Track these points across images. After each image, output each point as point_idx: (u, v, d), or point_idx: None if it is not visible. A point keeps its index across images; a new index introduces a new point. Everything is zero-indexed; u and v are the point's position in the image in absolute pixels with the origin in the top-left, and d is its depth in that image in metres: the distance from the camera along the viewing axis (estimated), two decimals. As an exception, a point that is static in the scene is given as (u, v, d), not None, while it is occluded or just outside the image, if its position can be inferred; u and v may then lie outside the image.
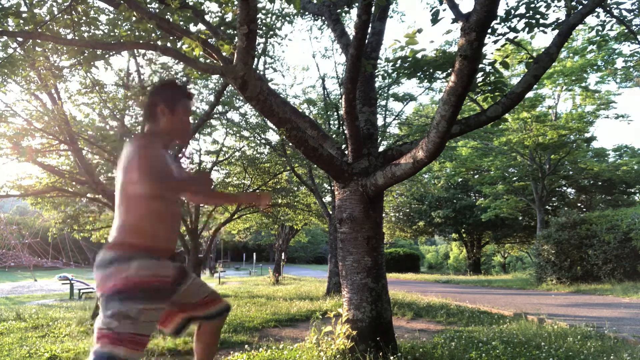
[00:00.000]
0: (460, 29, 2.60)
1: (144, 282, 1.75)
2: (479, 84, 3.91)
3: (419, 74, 4.10)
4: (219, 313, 2.09)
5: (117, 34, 3.54)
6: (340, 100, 5.64)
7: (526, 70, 3.61)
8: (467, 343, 4.43)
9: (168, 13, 3.05)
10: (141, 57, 7.85)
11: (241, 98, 10.12)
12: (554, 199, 26.45)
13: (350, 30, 5.71)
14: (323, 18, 5.57)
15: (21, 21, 3.08)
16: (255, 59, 7.18)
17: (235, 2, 3.25)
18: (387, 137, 11.61)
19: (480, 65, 3.72)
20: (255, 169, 12.55)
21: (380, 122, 10.88)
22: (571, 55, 16.58)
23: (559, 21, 3.77)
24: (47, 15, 3.24)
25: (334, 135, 9.34)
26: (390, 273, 22.66)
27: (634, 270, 11.05)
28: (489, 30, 3.62)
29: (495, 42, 3.92)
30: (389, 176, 3.48)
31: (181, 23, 3.26)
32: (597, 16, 4.41)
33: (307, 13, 6.89)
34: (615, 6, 4.24)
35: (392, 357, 3.46)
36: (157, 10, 3.30)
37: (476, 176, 25.81)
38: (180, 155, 9.12)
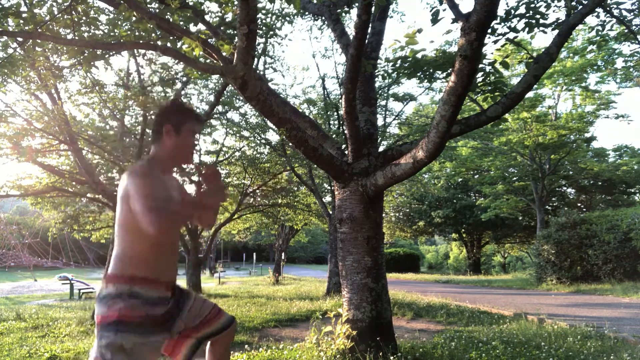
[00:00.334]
0: (460, 29, 2.60)
1: (139, 316, 1.72)
2: (479, 84, 3.91)
3: (419, 74, 4.10)
4: (224, 327, 2.05)
5: (117, 34, 3.54)
6: (340, 100, 5.64)
7: (526, 70, 3.61)
8: (467, 343, 4.43)
9: (168, 13, 3.05)
10: (141, 57, 7.85)
11: (241, 98, 10.12)
12: (554, 199, 26.46)
13: (350, 30, 5.71)
14: (323, 18, 5.58)
15: (21, 21, 3.08)
16: (255, 59, 7.18)
17: (235, 2, 3.25)
18: (387, 137, 11.61)
19: (480, 65, 3.72)
20: (255, 169, 12.55)
21: (380, 122, 10.88)
22: (571, 55, 16.58)
23: (559, 21, 3.77)
24: (47, 15, 3.24)
25: (334, 135, 9.34)
26: (390, 273, 22.66)
27: (634, 270, 11.05)
28: (489, 30, 3.62)
29: (495, 42, 3.92)
30: (389, 176, 3.48)
31: (181, 23, 3.26)
32: (597, 16, 4.42)
33: (307, 13, 6.89)
34: (615, 6, 4.24)
35: (392, 357, 3.46)
36: (157, 10, 3.30)
37: (476, 176, 25.82)
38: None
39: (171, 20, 2.99)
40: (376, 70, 4.42)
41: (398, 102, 11.00)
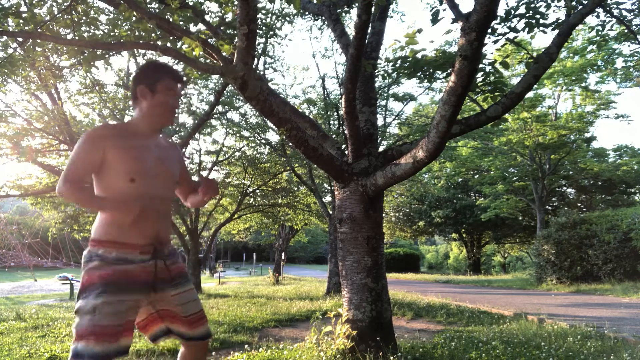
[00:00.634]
0: (460, 29, 2.60)
1: (106, 274, 1.70)
2: (479, 84, 3.91)
3: (419, 74, 4.10)
4: (199, 337, 1.92)
5: (117, 34, 3.54)
6: (340, 100, 5.64)
7: (526, 70, 3.61)
8: (467, 343, 4.43)
9: (168, 13, 3.05)
10: (141, 57, 7.85)
11: (241, 98, 10.12)
12: (554, 199, 26.46)
13: (350, 30, 5.71)
14: (323, 18, 5.58)
15: (21, 21, 3.08)
16: (255, 59, 7.18)
17: (235, 2, 3.25)
18: (387, 137, 11.60)
19: (480, 65, 3.72)
20: (255, 169, 12.55)
21: (380, 122, 10.88)
22: (571, 55, 16.58)
23: (559, 21, 3.77)
24: (47, 15, 3.24)
25: (334, 135, 9.34)
26: (390, 273, 22.67)
27: (634, 270, 11.05)
28: (489, 30, 3.62)
29: (495, 42, 3.92)
30: (389, 176, 3.48)
31: (181, 23, 3.26)
32: (597, 16, 4.42)
33: (307, 13, 6.89)
34: (615, 6, 4.24)
35: (392, 357, 3.46)
36: (157, 10, 3.30)
37: (476, 176, 25.81)
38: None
39: (171, 20, 2.99)
40: (376, 70, 4.42)
41: (398, 102, 11.00)
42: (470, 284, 17.09)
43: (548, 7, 3.92)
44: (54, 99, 8.08)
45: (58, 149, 8.84)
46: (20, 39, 3.35)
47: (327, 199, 13.44)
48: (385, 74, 4.90)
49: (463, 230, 30.89)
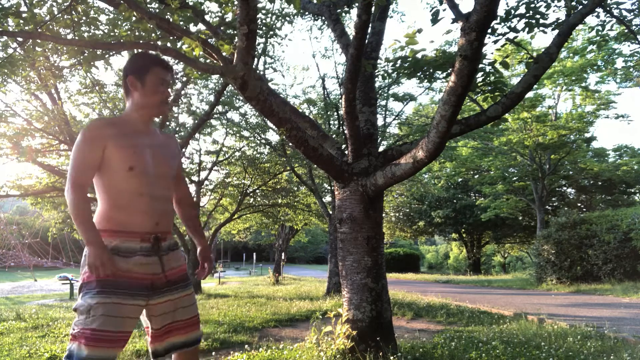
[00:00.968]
0: (460, 29, 2.60)
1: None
2: (479, 84, 3.91)
3: (419, 74, 4.10)
4: (190, 342, 1.87)
5: (117, 34, 3.54)
6: (340, 100, 5.64)
7: (526, 70, 3.61)
8: (467, 343, 4.43)
9: (168, 13, 3.05)
10: (141, 57, 7.85)
11: (241, 98, 10.12)
12: (554, 199, 26.45)
13: (350, 30, 5.71)
14: (323, 18, 5.57)
15: (21, 21, 3.08)
16: (255, 59, 7.18)
17: (235, 2, 3.25)
18: (387, 137, 11.60)
19: (480, 65, 3.72)
20: (255, 169, 12.55)
21: (380, 122, 10.88)
22: (571, 55, 16.58)
23: (559, 21, 3.76)
24: (47, 15, 3.24)
25: (334, 135, 9.34)
26: (390, 273, 22.66)
27: (634, 270, 11.04)
28: (489, 30, 3.62)
29: (495, 42, 3.92)
30: (389, 176, 3.48)
31: (181, 23, 3.25)
32: (597, 16, 4.41)
33: (307, 13, 6.89)
34: (615, 6, 4.24)
35: (392, 357, 3.46)
36: (157, 10, 3.30)
37: (476, 176, 25.81)
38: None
39: (171, 20, 2.99)
40: (376, 70, 4.42)
41: (398, 102, 11.00)
42: (470, 284, 17.09)
43: (548, 7, 3.92)
44: (54, 99, 8.08)
45: (58, 149, 8.84)
46: (20, 39, 3.35)
47: (327, 199, 13.43)
48: (385, 74, 4.90)
49: (463, 230, 30.89)
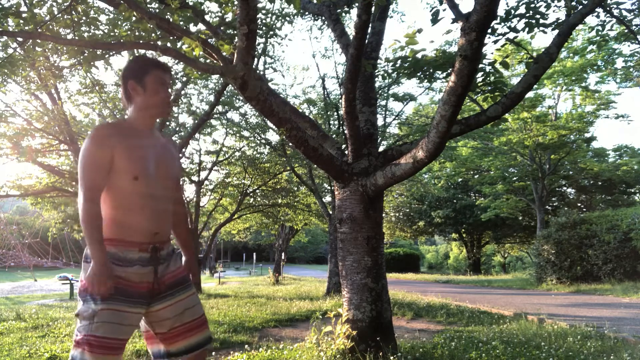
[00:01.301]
0: (460, 29, 2.60)
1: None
2: (479, 84, 3.91)
3: (419, 74, 4.10)
4: (199, 344, 1.86)
5: (117, 34, 3.54)
6: (340, 100, 5.64)
7: (526, 70, 3.61)
8: (467, 343, 4.43)
9: (168, 13, 3.05)
10: (141, 57, 7.85)
11: (241, 98, 10.12)
12: (554, 199, 26.45)
13: (350, 30, 5.71)
14: (323, 18, 5.57)
15: (21, 21, 3.08)
16: (255, 59, 7.18)
17: (235, 2, 3.25)
18: (387, 137, 11.61)
19: (480, 65, 3.72)
20: (255, 169, 12.56)
21: (380, 122, 10.88)
22: (571, 55, 16.58)
23: (559, 21, 3.76)
24: (47, 15, 3.24)
25: (334, 135, 9.34)
26: (390, 273, 22.66)
27: (634, 270, 11.04)
28: (489, 30, 3.62)
29: (495, 42, 3.91)
30: (389, 176, 3.48)
31: (181, 23, 3.25)
32: (597, 16, 4.41)
33: (307, 13, 6.89)
34: (615, 6, 4.24)
35: (392, 357, 3.46)
36: (157, 10, 3.30)
37: (476, 176, 25.81)
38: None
39: (171, 20, 2.99)
40: (376, 70, 4.42)
41: (398, 102, 11.00)
42: (470, 284, 17.09)
43: (548, 7, 3.92)
44: (54, 99, 8.08)
45: (58, 149, 8.84)
46: (20, 39, 3.35)
47: (327, 199, 13.44)
48: (385, 74, 4.90)
49: (463, 230, 30.89)
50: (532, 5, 3.82)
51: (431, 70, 4.00)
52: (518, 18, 3.83)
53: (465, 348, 4.20)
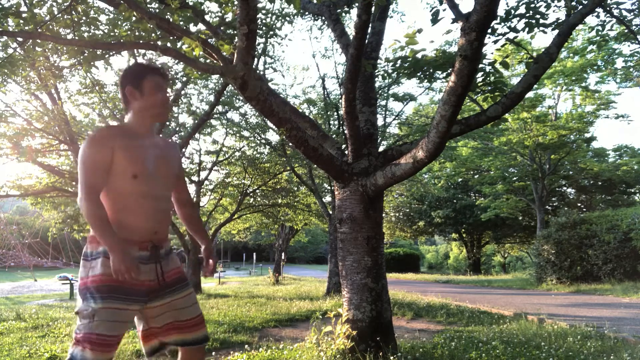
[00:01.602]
0: (460, 29, 2.60)
1: (103, 280, 1.69)
2: (479, 84, 3.91)
3: (419, 74, 4.10)
4: (196, 341, 1.90)
5: (117, 34, 3.54)
6: (340, 100, 5.64)
7: (526, 70, 3.61)
8: (467, 343, 4.43)
9: (168, 13, 3.05)
10: (141, 57, 7.85)
11: (241, 98, 10.12)
12: (554, 199, 26.45)
13: (350, 30, 5.71)
14: (323, 18, 5.57)
15: (21, 21, 3.08)
16: (255, 59, 7.18)
17: (235, 2, 3.25)
18: (387, 137, 11.61)
19: (480, 65, 3.72)
20: (255, 169, 12.55)
21: (380, 122, 10.88)
22: (571, 55, 16.58)
23: (559, 21, 3.76)
24: (47, 15, 3.24)
25: (334, 135, 9.34)
26: (390, 273, 22.66)
27: (634, 270, 11.04)
28: (489, 30, 3.62)
29: (495, 42, 3.91)
30: (389, 176, 3.48)
31: (181, 23, 3.25)
32: (597, 16, 4.41)
33: (307, 13, 6.89)
34: (615, 6, 4.24)
35: (392, 357, 3.46)
36: (157, 10, 3.30)
37: (476, 176, 25.81)
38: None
39: (171, 20, 2.99)
40: (376, 70, 4.42)
41: (398, 102, 11.00)
42: (470, 284, 17.09)
43: (548, 7, 3.92)
44: (54, 99, 8.08)
45: (58, 149, 8.84)
46: (20, 39, 3.35)
47: (327, 199, 13.43)
48: (385, 74, 4.90)
49: (463, 230, 30.89)
50: (532, 5, 3.82)
51: (431, 70, 4.00)
52: (518, 18, 3.83)
53: (465, 348, 4.20)
